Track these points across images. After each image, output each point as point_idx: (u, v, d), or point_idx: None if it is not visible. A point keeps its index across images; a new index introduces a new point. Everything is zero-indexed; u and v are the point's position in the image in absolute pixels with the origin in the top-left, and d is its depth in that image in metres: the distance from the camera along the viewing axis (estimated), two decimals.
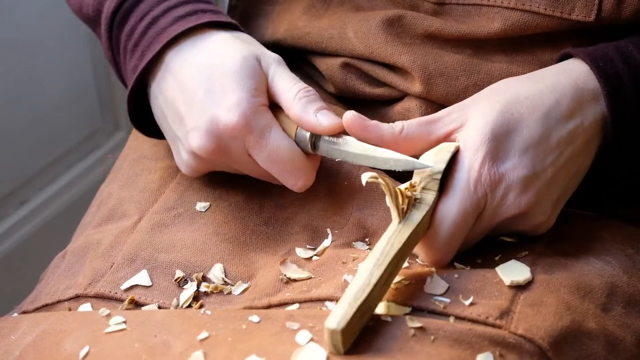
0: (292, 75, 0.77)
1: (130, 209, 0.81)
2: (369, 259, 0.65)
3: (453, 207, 0.69)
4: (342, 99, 0.86)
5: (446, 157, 0.70)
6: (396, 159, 0.71)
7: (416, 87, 0.81)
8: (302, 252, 0.75)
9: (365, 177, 0.67)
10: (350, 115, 0.73)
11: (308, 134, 0.75)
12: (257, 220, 0.78)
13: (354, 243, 0.76)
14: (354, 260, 0.73)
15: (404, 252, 0.67)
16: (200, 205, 0.80)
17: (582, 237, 0.76)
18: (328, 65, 0.85)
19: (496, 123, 0.70)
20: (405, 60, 0.80)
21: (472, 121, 0.71)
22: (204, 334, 0.65)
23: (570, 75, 0.73)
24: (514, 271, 0.69)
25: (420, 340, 0.63)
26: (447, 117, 0.73)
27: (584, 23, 0.76)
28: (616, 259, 0.74)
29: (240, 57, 0.76)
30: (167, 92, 0.77)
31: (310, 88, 0.76)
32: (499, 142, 0.70)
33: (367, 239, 0.77)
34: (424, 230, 0.69)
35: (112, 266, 0.76)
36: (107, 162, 1.41)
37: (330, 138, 0.74)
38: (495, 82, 0.78)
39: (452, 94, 0.80)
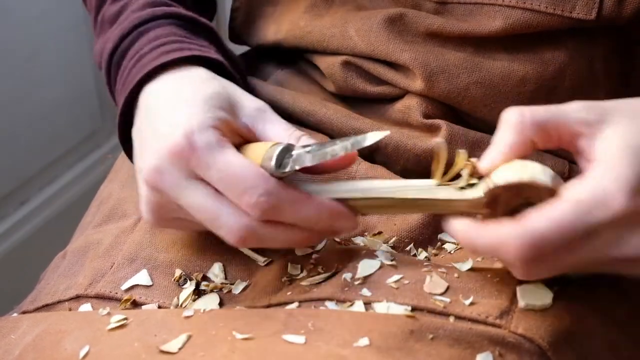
0: (285, 122, 0.72)
1: (130, 208, 0.81)
2: (380, 181, 0.67)
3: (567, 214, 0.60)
4: (343, 97, 0.86)
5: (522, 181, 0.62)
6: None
7: (417, 84, 0.81)
8: (301, 250, 0.75)
9: (437, 141, 0.65)
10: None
11: (278, 150, 0.67)
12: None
13: (352, 239, 0.76)
14: (351, 260, 0.73)
15: (408, 204, 0.66)
16: None
17: None
18: (329, 64, 0.85)
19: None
20: (406, 57, 0.80)
21: (612, 139, 0.62)
22: (203, 333, 0.65)
23: None
24: (534, 295, 0.67)
25: (419, 339, 0.63)
26: (578, 113, 0.63)
27: (584, 21, 0.76)
28: None
29: (212, 90, 0.71)
30: (137, 124, 0.74)
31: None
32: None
33: (365, 233, 0.77)
34: (445, 211, 0.66)
35: (112, 266, 0.76)
36: (107, 162, 1.42)
37: (300, 152, 0.68)
38: (496, 80, 0.78)
39: (453, 92, 0.80)
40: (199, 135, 0.67)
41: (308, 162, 0.67)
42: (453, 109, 0.81)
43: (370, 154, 0.82)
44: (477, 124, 0.81)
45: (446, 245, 0.76)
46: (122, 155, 0.91)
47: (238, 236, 0.67)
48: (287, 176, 0.67)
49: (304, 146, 0.68)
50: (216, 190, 0.67)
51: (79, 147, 1.44)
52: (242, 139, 0.71)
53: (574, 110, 0.63)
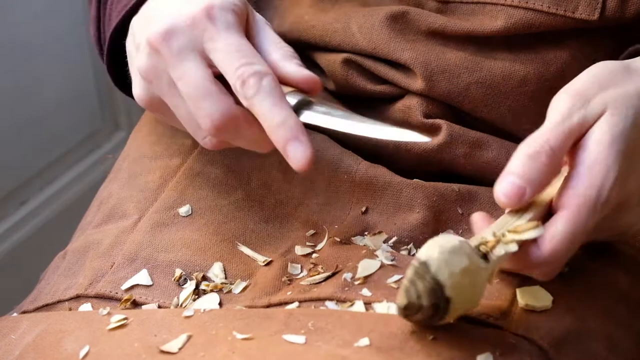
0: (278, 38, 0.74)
1: (130, 208, 0.81)
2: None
3: (573, 225, 0.63)
4: (343, 96, 0.86)
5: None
6: (387, 130, 0.67)
7: (418, 84, 0.81)
8: (301, 250, 0.75)
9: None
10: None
11: (294, 102, 0.69)
12: (256, 219, 0.78)
13: (352, 238, 0.76)
14: (351, 260, 0.73)
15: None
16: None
17: None
18: (329, 62, 0.85)
19: (628, 139, 0.64)
20: (407, 56, 0.80)
21: (600, 127, 0.65)
22: (203, 333, 0.65)
23: None
24: (534, 295, 0.67)
25: (419, 340, 0.63)
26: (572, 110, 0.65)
27: (587, 22, 0.76)
28: (618, 259, 0.74)
29: None
30: (144, 11, 0.74)
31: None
32: (629, 161, 0.64)
33: (366, 232, 0.77)
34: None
35: (112, 266, 0.76)
36: (107, 162, 1.42)
37: (316, 106, 0.70)
38: (497, 79, 0.78)
39: (453, 92, 0.80)
40: (220, 12, 0.69)
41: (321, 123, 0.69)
42: (454, 108, 0.81)
43: (371, 153, 0.82)
44: (478, 124, 0.81)
45: None
46: (122, 155, 0.91)
47: (218, 118, 0.67)
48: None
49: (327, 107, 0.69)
50: (213, 73, 0.68)
51: (79, 147, 1.44)
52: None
53: (568, 110, 0.65)
